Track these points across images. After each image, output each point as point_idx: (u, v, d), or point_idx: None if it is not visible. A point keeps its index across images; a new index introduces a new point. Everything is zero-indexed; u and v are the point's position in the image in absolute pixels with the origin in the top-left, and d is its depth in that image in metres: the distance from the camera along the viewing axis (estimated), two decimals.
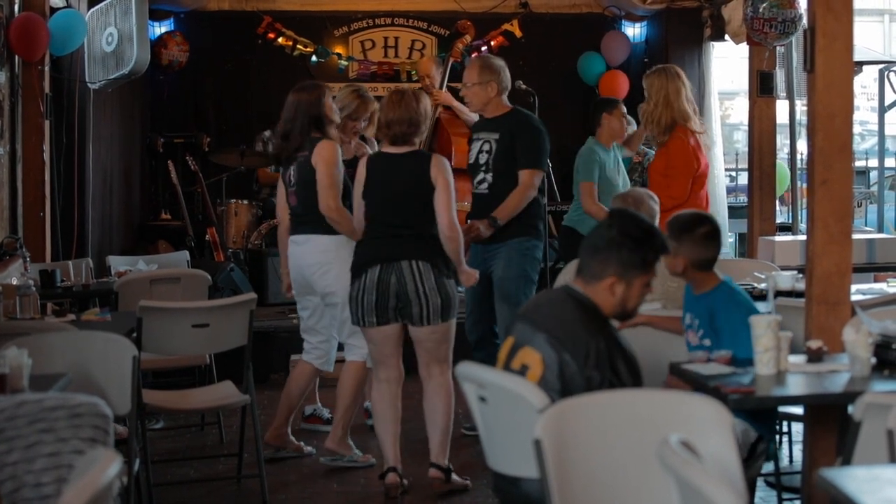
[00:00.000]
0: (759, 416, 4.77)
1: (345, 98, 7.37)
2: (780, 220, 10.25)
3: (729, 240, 11.91)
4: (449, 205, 6.14)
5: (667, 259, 4.83)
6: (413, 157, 6.25)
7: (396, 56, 12.78)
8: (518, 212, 7.05)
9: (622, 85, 12.21)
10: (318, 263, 6.63)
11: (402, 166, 6.22)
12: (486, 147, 7.15)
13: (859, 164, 15.40)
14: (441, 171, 6.16)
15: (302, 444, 7.06)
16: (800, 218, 10.26)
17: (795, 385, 4.31)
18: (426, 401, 6.32)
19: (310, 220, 6.60)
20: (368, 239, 6.28)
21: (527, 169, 7.06)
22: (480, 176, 7.24)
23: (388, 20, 12.80)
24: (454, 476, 6.30)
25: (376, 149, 8.01)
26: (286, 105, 6.77)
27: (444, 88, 10.20)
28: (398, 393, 6.35)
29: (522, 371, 4.13)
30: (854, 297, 5.17)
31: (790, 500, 5.95)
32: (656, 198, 5.73)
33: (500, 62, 7.27)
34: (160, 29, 12.03)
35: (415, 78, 12.23)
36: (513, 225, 6.98)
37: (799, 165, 10.48)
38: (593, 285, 4.23)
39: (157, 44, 11.69)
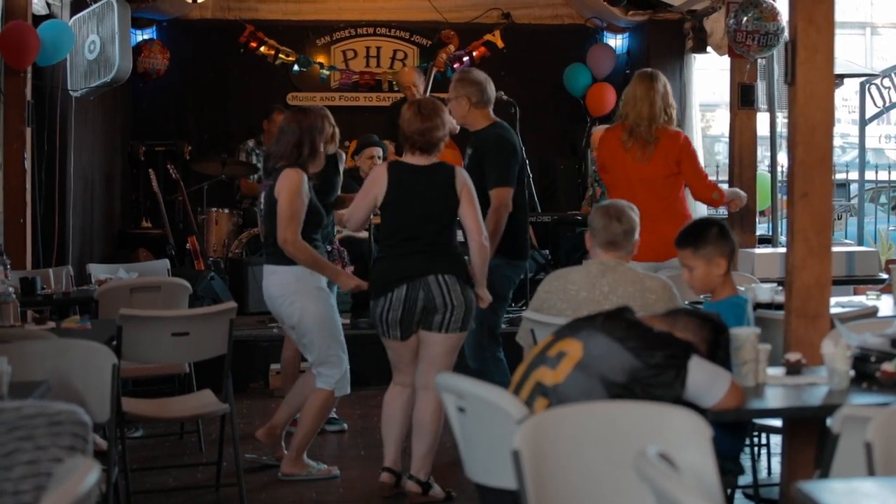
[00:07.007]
0: (733, 429, 4.78)
1: None
2: (759, 232, 10.26)
3: None
4: (478, 216, 6.17)
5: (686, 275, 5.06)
6: (437, 171, 6.21)
7: (378, 66, 12.77)
8: (500, 232, 6.80)
9: (609, 97, 12.22)
10: (280, 296, 6.54)
11: (428, 180, 6.19)
12: (466, 161, 7.11)
13: (840, 176, 15.46)
14: (465, 182, 6.17)
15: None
16: (780, 230, 10.28)
17: (774, 398, 4.32)
18: (416, 412, 6.28)
19: (275, 250, 6.47)
20: (392, 256, 6.23)
21: (495, 188, 6.85)
22: None
23: (371, 30, 12.80)
24: (434, 490, 6.28)
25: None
26: (282, 124, 6.64)
27: None
28: (412, 398, 6.34)
29: (559, 357, 4.10)
30: (833, 310, 5.19)
31: None
32: (636, 208, 5.70)
33: (477, 76, 7.08)
34: (141, 37, 12.01)
35: (396, 88, 12.24)
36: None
37: (779, 178, 10.49)
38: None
39: (134, 51, 11.64)
